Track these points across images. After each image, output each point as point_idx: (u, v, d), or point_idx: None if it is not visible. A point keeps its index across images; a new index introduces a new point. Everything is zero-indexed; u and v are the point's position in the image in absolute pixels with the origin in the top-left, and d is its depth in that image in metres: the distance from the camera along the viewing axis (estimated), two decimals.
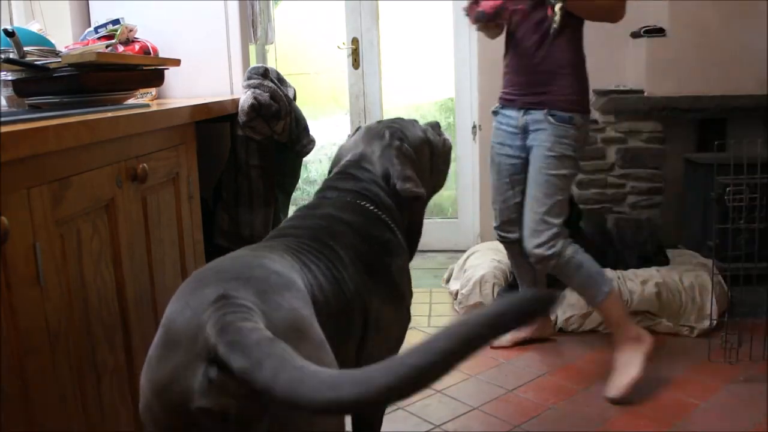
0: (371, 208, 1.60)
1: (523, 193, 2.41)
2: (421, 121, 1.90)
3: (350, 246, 1.48)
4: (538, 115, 2.30)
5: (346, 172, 1.69)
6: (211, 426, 0.97)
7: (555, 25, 2.21)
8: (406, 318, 1.65)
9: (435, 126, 1.92)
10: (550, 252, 2.30)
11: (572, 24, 2.28)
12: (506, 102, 2.43)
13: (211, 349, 0.94)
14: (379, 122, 1.84)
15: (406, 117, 1.91)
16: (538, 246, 2.31)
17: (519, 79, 2.36)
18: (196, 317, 1.01)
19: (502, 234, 2.56)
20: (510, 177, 2.45)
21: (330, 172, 1.80)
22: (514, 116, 2.37)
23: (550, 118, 2.27)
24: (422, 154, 1.79)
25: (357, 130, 1.85)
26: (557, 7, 2.19)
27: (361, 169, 1.68)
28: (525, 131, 2.36)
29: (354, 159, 1.72)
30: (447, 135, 1.96)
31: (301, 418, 1.01)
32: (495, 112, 2.51)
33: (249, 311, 0.99)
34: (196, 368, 0.97)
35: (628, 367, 2.27)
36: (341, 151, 1.81)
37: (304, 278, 1.27)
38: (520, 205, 2.43)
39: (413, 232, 1.79)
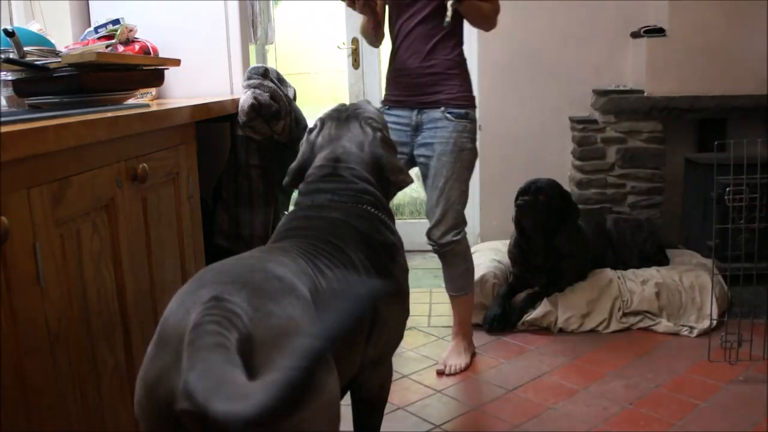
0: (373, 210, 1.60)
1: None
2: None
3: (360, 250, 1.50)
4: (434, 113, 2.41)
5: (336, 173, 1.64)
6: (194, 427, 0.96)
7: (448, 19, 2.29)
8: (405, 316, 1.68)
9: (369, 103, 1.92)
10: (457, 237, 2.46)
11: (458, 27, 2.44)
12: (395, 103, 2.49)
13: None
14: (340, 112, 1.77)
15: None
16: (447, 232, 2.45)
17: (412, 81, 2.44)
18: (186, 318, 1.01)
19: None
20: None
21: (301, 168, 1.71)
22: (407, 115, 2.45)
23: (448, 115, 2.41)
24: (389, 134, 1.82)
25: (322, 124, 1.75)
26: (450, 4, 2.28)
27: (348, 169, 1.65)
28: (417, 129, 2.45)
29: (338, 156, 1.67)
30: None
31: (289, 424, 1.00)
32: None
33: (232, 316, 0.99)
34: (180, 369, 0.97)
35: (460, 357, 2.58)
36: (314, 148, 1.72)
37: (317, 283, 1.27)
38: None
39: None
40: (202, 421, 0.94)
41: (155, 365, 1.03)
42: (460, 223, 2.47)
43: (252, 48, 2.96)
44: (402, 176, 1.71)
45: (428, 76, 2.41)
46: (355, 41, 4.10)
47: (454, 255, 2.50)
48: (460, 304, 2.62)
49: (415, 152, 2.46)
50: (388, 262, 1.57)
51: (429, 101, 2.43)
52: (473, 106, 2.49)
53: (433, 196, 2.45)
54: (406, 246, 1.79)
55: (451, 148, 2.40)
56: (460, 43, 2.47)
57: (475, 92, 3.81)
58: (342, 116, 1.75)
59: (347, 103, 1.86)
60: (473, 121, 2.47)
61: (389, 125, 2.46)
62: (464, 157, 2.43)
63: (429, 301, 3.32)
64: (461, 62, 2.47)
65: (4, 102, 1.97)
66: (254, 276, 1.13)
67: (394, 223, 1.69)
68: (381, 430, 1.74)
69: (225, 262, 1.23)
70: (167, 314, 1.08)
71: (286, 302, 1.10)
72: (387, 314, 1.54)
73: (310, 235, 1.47)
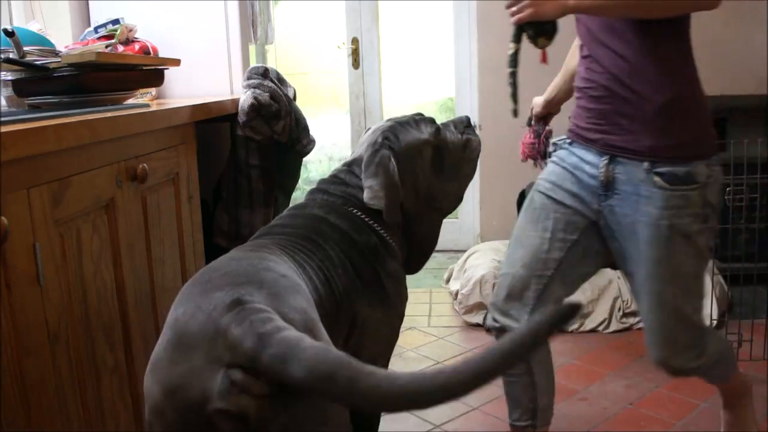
0: (357, 213, 1.59)
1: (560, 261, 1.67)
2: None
3: (338, 247, 1.50)
4: (635, 169, 1.57)
5: (336, 176, 1.68)
6: (228, 427, 0.97)
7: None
8: (396, 321, 1.64)
9: (459, 123, 1.79)
10: (696, 363, 1.67)
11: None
12: (581, 138, 1.68)
13: (247, 358, 0.95)
14: (389, 119, 1.76)
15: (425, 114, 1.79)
16: (683, 358, 1.66)
17: (607, 107, 1.62)
18: (211, 322, 1.01)
19: (498, 316, 1.73)
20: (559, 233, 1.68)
21: None
22: (593, 161, 1.63)
23: (657, 178, 1.54)
24: (415, 159, 1.68)
25: (367, 129, 1.79)
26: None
27: (351, 173, 1.66)
28: (608, 187, 1.60)
29: (347, 162, 1.70)
30: (473, 133, 1.81)
31: (314, 418, 1.02)
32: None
33: (270, 314, 0.99)
34: (216, 371, 0.97)
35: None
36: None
37: (303, 279, 1.29)
38: (549, 281, 1.67)
39: (419, 244, 1.73)
40: (240, 418, 0.96)
41: (179, 369, 1.01)
42: (699, 341, 1.65)
43: (252, 48, 2.96)
44: (365, 194, 1.59)
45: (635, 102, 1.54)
46: (355, 41, 4.10)
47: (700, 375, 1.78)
48: (729, 387, 1.87)
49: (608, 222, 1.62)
50: (373, 263, 1.55)
51: (627, 147, 1.55)
52: (704, 156, 1.55)
53: (644, 305, 1.64)
54: None
55: (662, 234, 1.53)
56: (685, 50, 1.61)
57: (475, 92, 3.86)
58: (379, 125, 1.73)
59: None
60: (703, 185, 1.53)
61: (563, 167, 1.69)
62: (685, 247, 1.55)
63: (429, 301, 3.32)
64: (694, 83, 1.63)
65: (4, 102, 1.97)
66: (264, 275, 1.13)
67: (391, 233, 1.63)
68: (381, 430, 1.74)
69: (222, 262, 1.23)
70: (184, 318, 1.05)
71: (299, 298, 1.12)
72: (370, 316, 1.51)
73: (288, 232, 1.48)
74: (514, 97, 1.63)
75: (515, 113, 1.63)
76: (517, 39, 1.58)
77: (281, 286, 1.12)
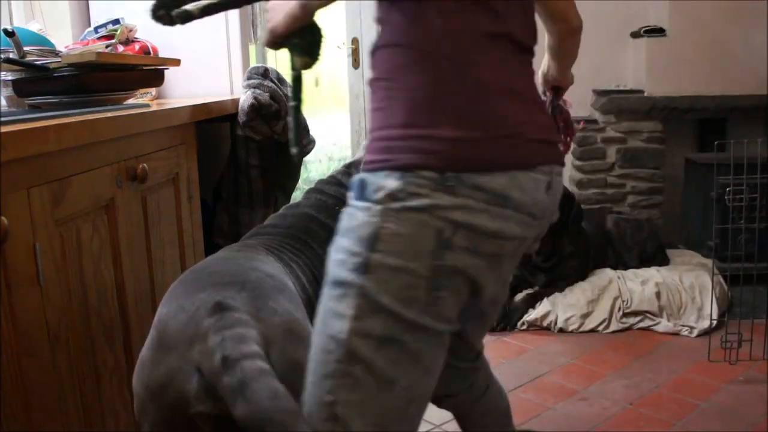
0: None
1: None
2: None
3: (326, 245, 1.49)
4: None
5: (334, 176, 1.70)
6: (210, 428, 0.98)
7: None
8: None
9: None
10: None
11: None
12: None
13: (212, 375, 0.95)
14: None
15: None
16: None
17: None
18: (192, 323, 1.01)
19: None
20: None
21: None
22: None
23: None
24: None
25: None
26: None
27: (348, 175, 1.68)
28: None
29: (347, 164, 1.72)
30: None
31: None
32: None
33: (247, 328, 0.99)
34: (191, 374, 0.98)
35: None
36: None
37: (290, 279, 1.29)
38: None
39: None
40: (220, 420, 0.97)
41: (159, 369, 1.03)
42: None
43: (252, 48, 2.96)
44: None
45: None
46: (355, 41, 4.10)
47: None
48: None
49: None
50: None
51: None
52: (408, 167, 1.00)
53: None
54: None
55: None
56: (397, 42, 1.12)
57: None
58: None
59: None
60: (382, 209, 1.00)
61: None
62: (323, 305, 1.02)
63: None
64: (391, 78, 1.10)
65: (4, 102, 1.97)
66: (249, 276, 1.14)
67: None
68: None
69: (211, 261, 1.25)
70: (166, 318, 1.07)
71: (283, 299, 1.12)
72: None
73: (277, 232, 1.49)
74: (297, 138, 1.26)
75: (298, 157, 1.30)
76: (292, 65, 1.24)
77: (266, 287, 1.11)
